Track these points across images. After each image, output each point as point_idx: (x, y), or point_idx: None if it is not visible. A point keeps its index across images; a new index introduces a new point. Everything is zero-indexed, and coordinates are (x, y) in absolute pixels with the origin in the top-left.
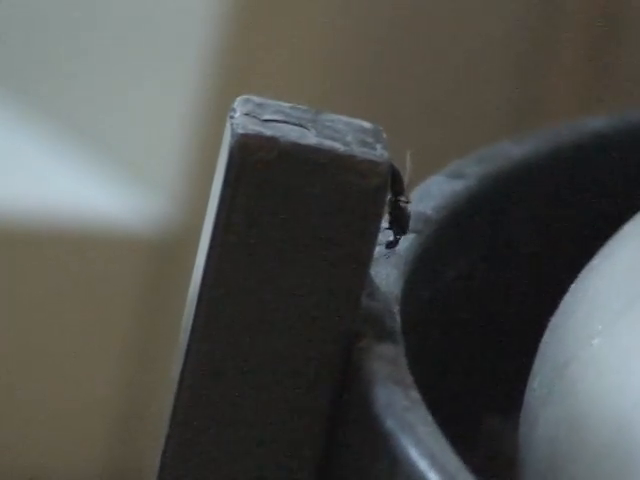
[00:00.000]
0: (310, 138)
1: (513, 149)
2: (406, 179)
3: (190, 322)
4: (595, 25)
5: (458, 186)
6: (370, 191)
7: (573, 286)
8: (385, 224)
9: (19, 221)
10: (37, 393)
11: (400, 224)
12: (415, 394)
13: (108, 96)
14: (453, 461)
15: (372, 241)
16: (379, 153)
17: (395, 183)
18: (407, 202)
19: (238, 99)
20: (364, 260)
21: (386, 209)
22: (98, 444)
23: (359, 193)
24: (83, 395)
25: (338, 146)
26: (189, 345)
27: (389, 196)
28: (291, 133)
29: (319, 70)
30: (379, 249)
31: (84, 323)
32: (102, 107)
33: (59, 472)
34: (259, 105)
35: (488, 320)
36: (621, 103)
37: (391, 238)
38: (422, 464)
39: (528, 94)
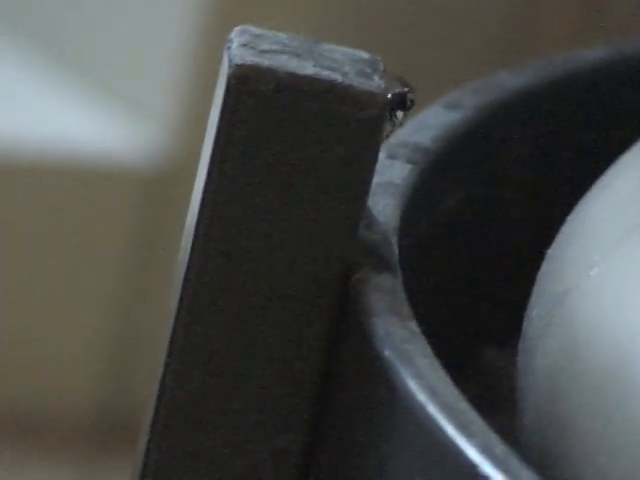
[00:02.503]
0: (308, 68)
1: (509, 80)
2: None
3: (187, 254)
4: None
5: (455, 116)
6: (367, 121)
7: (570, 217)
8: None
9: (10, 154)
10: (31, 329)
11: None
12: (413, 325)
13: (102, 26)
14: (452, 393)
15: (369, 172)
16: (377, 84)
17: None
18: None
19: (235, 30)
20: (361, 191)
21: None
22: (94, 380)
23: (356, 123)
24: (78, 331)
25: (336, 76)
26: (186, 277)
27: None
28: (289, 63)
29: (313, 4)
30: (376, 180)
31: (78, 258)
32: (96, 38)
33: (54, 408)
34: (256, 36)
35: (486, 251)
36: (616, 33)
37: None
38: (421, 396)
39: (523, 24)
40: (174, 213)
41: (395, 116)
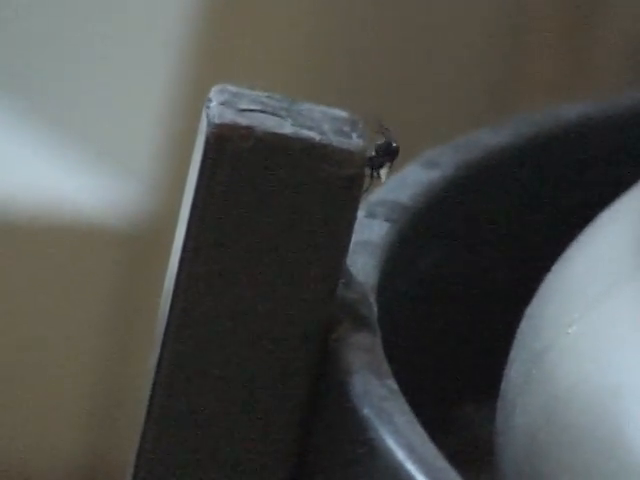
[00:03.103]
0: (286, 127)
1: (489, 137)
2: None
3: (166, 313)
4: (567, 14)
5: (434, 175)
6: (346, 180)
7: (549, 274)
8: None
9: None
10: (13, 387)
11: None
12: (392, 383)
13: (82, 85)
14: (431, 450)
15: (348, 230)
16: (355, 142)
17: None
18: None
19: (214, 88)
20: (340, 249)
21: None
22: (75, 437)
23: (335, 182)
24: (59, 387)
25: (314, 135)
26: (165, 337)
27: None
28: (267, 122)
29: (297, 59)
30: (355, 239)
31: (59, 316)
32: (77, 96)
33: (36, 468)
34: (235, 94)
35: (464, 308)
36: (593, 90)
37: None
38: (399, 454)
39: (504, 80)
40: (155, 271)
41: (378, 173)
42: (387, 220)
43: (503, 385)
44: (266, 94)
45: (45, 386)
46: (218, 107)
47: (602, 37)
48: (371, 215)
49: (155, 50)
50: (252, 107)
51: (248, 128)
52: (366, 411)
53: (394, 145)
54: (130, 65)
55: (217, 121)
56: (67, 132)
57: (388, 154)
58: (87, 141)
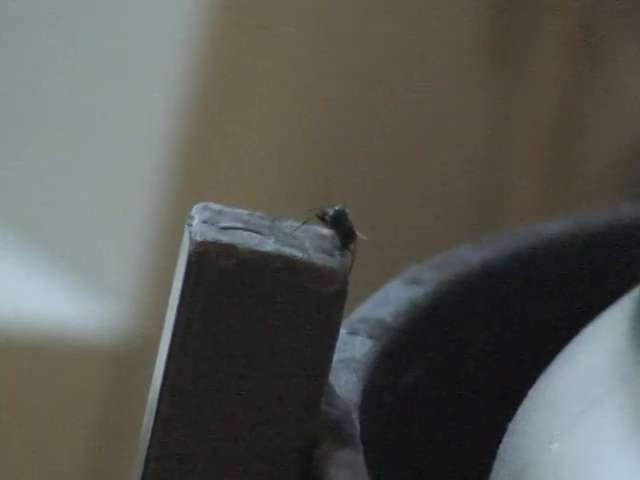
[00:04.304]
0: (268, 245)
1: (471, 254)
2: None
3: (149, 430)
4: (552, 134)
5: (416, 292)
6: (328, 297)
7: (532, 390)
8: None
9: None
10: None
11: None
12: None
13: (65, 203)
14: None
15: (331, 347)
16: (337, 260)
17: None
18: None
19: (196, 206)
20: (323, 366)
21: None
22: None
23: (317, 299)
24: None
25: (296, 253)
26: (148, 453)
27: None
28: (249, 240)
29: (276, 177)
30: (338, 356)
31: (45, 433)
32: (59, 214)
33: None
34: (217, 212)
35: (447, 426)
36: (576, 207)
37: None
38: None
39: (489, 200)
40: (140, 389)
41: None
42: (369, 337)
43: None
44: (248, 212)
45: None
46: (200, 225)
47: (586, 156)
48: (353, 332)
49: (138, 168)
50: (234, 225)
51: (230, 246)
52: None
53: (338, 209)
54: (113, 183)
55: (199, 239)
56: (50, 251)
57: (340, 218)
58: (70, 259)
